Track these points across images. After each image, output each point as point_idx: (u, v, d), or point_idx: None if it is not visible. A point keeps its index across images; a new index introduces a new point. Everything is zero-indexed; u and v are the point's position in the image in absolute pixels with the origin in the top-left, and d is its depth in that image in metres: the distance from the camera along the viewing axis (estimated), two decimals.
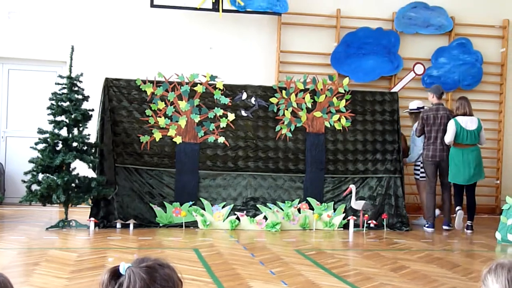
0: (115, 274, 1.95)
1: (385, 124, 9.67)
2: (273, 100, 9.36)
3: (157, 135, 9.02)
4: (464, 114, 9.35)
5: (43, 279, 5.45)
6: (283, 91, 9.41)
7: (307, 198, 9.30)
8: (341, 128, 9.52)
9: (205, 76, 9.24)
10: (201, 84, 9.21)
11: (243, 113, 9.29)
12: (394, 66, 11.52)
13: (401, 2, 11.65)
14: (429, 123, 9.45)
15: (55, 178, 8.05)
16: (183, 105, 9.11)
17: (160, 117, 9.04)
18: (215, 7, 10.67)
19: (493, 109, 12.12)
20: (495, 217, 9.83)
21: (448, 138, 9.24)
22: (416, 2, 11.68)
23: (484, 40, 12.02)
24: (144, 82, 9.05)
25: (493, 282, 2.21)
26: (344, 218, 9.23)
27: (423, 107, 10.00)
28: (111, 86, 8.97)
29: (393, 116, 9.70)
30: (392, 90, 10.47)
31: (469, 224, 9.41)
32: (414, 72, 10.81)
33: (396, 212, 9.42)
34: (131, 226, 8.46)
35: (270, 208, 9.08)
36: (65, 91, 8.48)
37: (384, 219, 9.23)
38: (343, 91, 9.56)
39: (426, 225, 9.40)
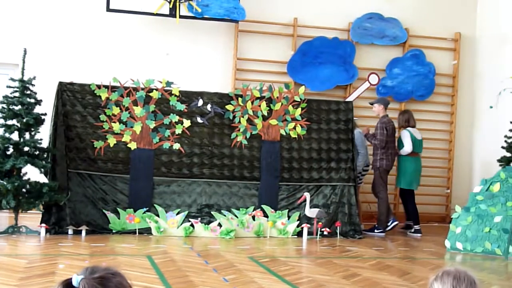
0: (68, 286, 1.93)
1: (339, 133, 9.77)
2: (229, 107, 9.38)
3: (112, 141, 8.93)
4: (413, 126, 10.26)
5: None
6: (239, 99, 9.43)
7: (262, 206, 9.32)
8: (296, 136, 9.59)
9: (161, 82, 9.20)
10: (156, 90, 9.16)
11: (199, 119, 9.27)
12: (349, 76, 11.67)
13: (357, 13, 11.82)
14: (389, 134, 9.93)
15: (5, 183, 7.89)
16: (138, 110, 9.04)
17: (114, 122, 8.96)
18: (172, 13, 10.64)
19: (444, 120, 12.39)
20: (445, 226, 10.03)
21: (410, 148, 10.05)
22: (372, 13, 11.86)
23: (436, 52, 12.29)
24: (99, 87, 8.95)
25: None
26: (298, 226, 9.29)
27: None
28: (65, 90, 8.84)
29: (347, 125, 9.81)
30: (347, 99, 10.61)
31: (419, 228, 10.11)
32: (369, 82, 10.99)
33: (349, 220, 9.52)
34: (83, 233, 8.34)
35: (225, 215, 9.07)
36: (17, 94, 8.33)
37: (338, 227, 9.32)
38: (299, 100, 9.63)
39: (379, 231, 9.68)
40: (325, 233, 9.24)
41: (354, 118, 10.03)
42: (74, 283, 1.91)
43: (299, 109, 9.60)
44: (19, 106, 8.28)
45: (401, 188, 10.41)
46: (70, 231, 8.38)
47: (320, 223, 9.25)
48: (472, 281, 2.25)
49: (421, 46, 12.15)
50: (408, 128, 10.18)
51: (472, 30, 12.50)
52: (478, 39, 12.49)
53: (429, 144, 12.13)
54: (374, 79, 11.04)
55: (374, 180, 10.15)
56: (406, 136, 10.10)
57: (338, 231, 9.32)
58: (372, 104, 10.28)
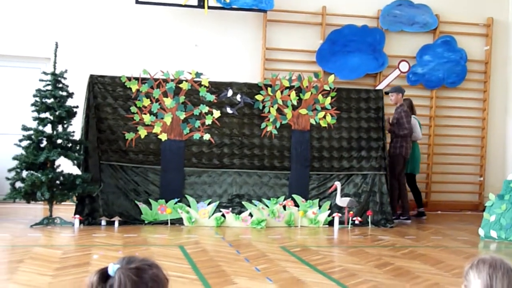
0: (104, 275, 1.93)
1: (370, 122, 9.71)
2: (259, 97, 9.37)
3: (142, 132, 9.00)
4: (415, 113, 10.61)
5: (27, 276, 5.43)
6: (269, 88, 9.41)
7: (293, 195, 9.32)
8: (326, 125, 9.55)
9: (190, 73, 9.22)
10: (186, 81, 9.19)
11: (229, 110, 9.29)
12: (379, 64, 11.57)
13: (386, 0, 11.70)
14: (408, 121, 9.96)
15: (39, 175, 8.01)
16: (168, 102, 9.08)
17: (145, 114, 9.02)
18: (201, 4, 10.67)
19: (477, 107, 12.22)
20: (478, 214, 9.91)
21: (420, 135, 10.50)
22: (401, 0, 11.72)
23: (468, 38, 12.11)
24: (129, 79, 9.02)
25: (474, 277, 2.24)
26: (329, 215, 9.27)
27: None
28: (96, 83, 8.92)
29: (378, 113, 9.74)
30: (377, 88, 10.52)
31: (423, 210, 10.62)
32: (399, 70, 10.87)
33: (380, 209, 9.47)
34: (116, 223, 8.43)
35: (256, 205, 9.09)
36: (49, 87, 8.43)
37: (369, 216, 9.28)
38: (329, 89, 9.58)
39: (405, 218, 9.78)
40: (356, 222, 9.21)
41: None
42: (110, 272, 1.92)
43: (329, 98, 9.56)
44: (52, 99, 8.38)
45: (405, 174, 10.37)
46: (103, 222, 8.48)
47: (351, 212, 9.21)
48: (508, 269, 2.22)
49: (452, 32, 11.98)
50: (413, 116, 10.41)
51: (505, 15, 12.28)
52: (511, 24, 12.27)
53: (461, 131, 12.02)
54: (404, 67, 10.92)
55: (394, 168, 10.00)
56: (416, 124, 10.35)
57: (369, 220, 9.27)
58: (388, 93, 10.17)
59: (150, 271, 1.97)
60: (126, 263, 1.96)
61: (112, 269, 1.92)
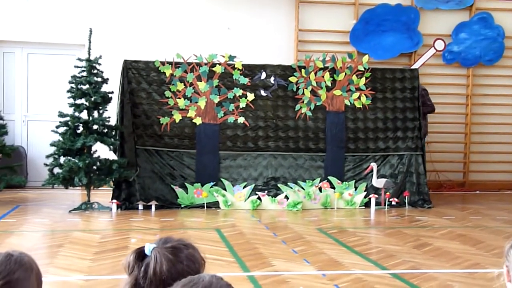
0: (140, 255, 1.94)
1: (405, 102, 9.57)
2: (292, 79, 9.31)
3: (177, 117, 9.02)
4: None
5: (67, 260, 5.51)
6: (302, 70, 9.34)
7: (328, 177, 9.27)
8: (361, 106, 9.45)
9: (223, 57, 9.20)
10: (219, 64, 9.17)
11: (263, 92, 9.25)
12: (414, 43, 11.39)
13: None
14: (429, 98, 10.06)
15: (77, 161, 8.11)
16: (202, 86, 9.08)
17: (179, 98, 9.04)
18: None
19: None
20: None
21: None
22: None
23: (506, 14, 11.81)
24: (162, 63, 9.03)
25: None
26: (365, 197, 9.20)
27: None
28: (130, 68, 8.96)
29: (413, 93, 9.60)
30: (413, 67, 10.35)
31: None
32: (435, 48, 10.67)
33: (417, 189, 9.37)
34: (153, 208, 8.50)
35: (291, 188, 9.07)
36: (84, 74, 8.50)
37: (406, 197, 9.19)
38: (363, 69, 9.47)
39: None
40: (393, 203, 9.13)
41: None
42: (147, 251, 1.93)
43: (363, 78, 9.45)
44: (87, 85, 8.45)
45: None
46: (140, 207, 8.56)
47: (387, 193, 9.13)
48: None
49: (489, 8, 11.71)
50: None
51: None
52: None
53: (499, 110, 11.80)
54: (440, 45, 10.71)
55: None
56: None
57: (406, 201, 9.18)
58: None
59: (186, 250, 1.97)
60: (163, 243, 1.97)
61: (148, 248, 1.92)
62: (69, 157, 8.24)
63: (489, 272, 5.27)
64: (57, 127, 8.39)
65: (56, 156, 8.28)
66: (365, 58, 9.66)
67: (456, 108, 11.69)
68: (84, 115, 8.50)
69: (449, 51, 11.47)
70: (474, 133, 11.74)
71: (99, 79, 8.55)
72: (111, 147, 8.51)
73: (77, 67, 8.56)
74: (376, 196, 9.06)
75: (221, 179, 9.08)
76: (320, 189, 9.14)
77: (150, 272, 1.89)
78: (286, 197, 8.96)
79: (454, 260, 5.75)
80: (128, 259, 1.95)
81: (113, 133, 8.60)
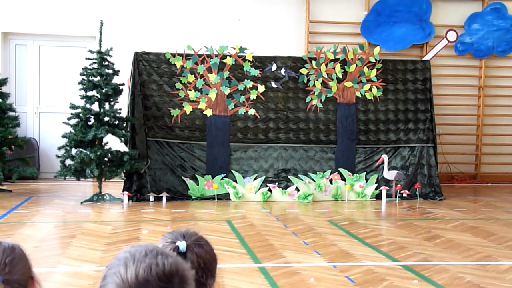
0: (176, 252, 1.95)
1: (417, 93, 9.53)
2: (303, 71, 9.28)
3: (188, 108, 9.03)
4: None
5: (79, 251, 5.54)
6: (313, 62, 9.31)
7: (339, 169, 9.25)
8: (372, 98, 9.42)
9: (234, 48, 9.19)
10: (230, 56, 9.16)
11: (273, 84, 9.23)
12: (425, 34, 11.31)
13: None
14: None
15: (88, 152, 8.13)
16: (212, 77, 9.08)
17: (190, 90, 9.04)
18: None
19: None
20: None
21: None
22: None
23: None
24: (173, 55, 9.04)
25: None
26: (376, 189, 9.18)
27: None
28: (140, 60, 8.97)
29: (425, 84, 9.55)
30: (424, 58, 10.28)
31: None
32: (447, 39, 10.60)
33: (429, 181, 9.33)
34: (164, 199, 8.52)
35: (302, 180, 9.06)
36: (95, 66, 8.51)
37: (417, 189, 9.16)
38: (374, 60, 9.43)
39: None
40: (404, 195, 9.10)
41: None
42: (182, 249, 1.93)
43: (375, 70, 9.41)
44: (98, 77, 8.47)
45: None
46: (151, 198, 8.58)
47: (399, 185, 9.10)
48: None
49: None
50: None
51: None
52: None
53: (511, 101, 11.70)
54: (452, 36, 10.64)
55: None
56: None
57: (417, 193, 9.15)
58: None
59: (202, 238, 2.03)
60: (189, 237, 1.99)
61: (182, 246, 1.93)
62: (80, 149, 8.27)
63: (501, 264, 5.25)
64: (69, 119, 8.42)
65: (67, 148, 8.31)
66: (376, 49, 9.61)
67: (468, 100, 11.61)
68: (95, 107, 8.52)
69: (461, 42, 11.39)
70: (486, 125, 11.66)
71: (110, 71, 8.56)
72: (122, 139, 8.53)
73: (88, 59, 8.58)
74: (387, 188, 9.03)
75: (232, 171, 9.08)
76: (331, 181, 9.13)
77: (195, 264, 1.93)
78: (297, 189, 8.96)
79: (465, 252, 5.73)
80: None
81: (124, 125, 8.62)
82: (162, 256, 1.38)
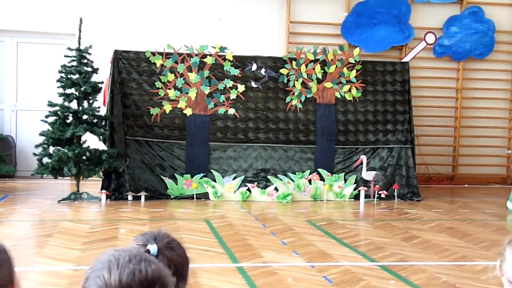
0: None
1: (396, 95, 9.60)
2: (283, 71, 9.30)
3: (167, 107, 9.00)
4: None
5: (56, 250, 5.50)
6: (293, 62, 9.34)
7: (318, 169, 9.29)
8: (351, 99, 9.46)
9: (214, 48, 9.18)
10: (210, 55, 9.15)
11: (253, 84, 9.24)
12: (405, 36, 11.40)
13: None
14: None
15: (66, 151, 8.07)
16: (192, 76, 9.06)
17: (170, 89, 9.01)
18: None
19: (505, 78, 12.00)
20: (506, 187, 9.80)
21: None
22: None
23: (496, 8, 11.84)
24: (153, 54, 9.00)
25: (510, 253, 2.18)
26: (355, 189, 9.23)
27: None
28: (120, 58, 8.93)
29: (404, 86, 9.63)
30: (403, 60, 10.37)
31: None
32: (425, 42, 10.68)
33: (407, 182, 9.41)
34: (143, 198, 8.49)
35: (281, 179, 9.08)
36: (74, 63, 8.45)
37: (395, 190, 9.22)
38: (354, 62, 9.48)
39: None
40: (382, 195, 9.16)
41: None
42: (153, 252, 1.93)
43: (354, 71, 9.46)
44: (77, 75, 8.40)
45: None
46: (129, 197, 8.54)
47: (377, 185, 9.16)
48: None
49: (480, 2, 11.73)
50: None
51: None
52: None
53: (489, 104, 11.85)
54: (430, 39, 10.73)
55: None
56: None
57: (395, 194, 9.22)
58: None
59: (174, 241, 2.02)
60: (159, 240, 1.98)
61: (153, 249, 1.93)
62: (58, 147, 8.21)
63: (477, 264, 5.31)
64: (47, 116, 8.34)
65: (45, 146, 8.24)
66: (356, 50, 9.67)
67: (446, 102, 11.73)
68: (73, 105, 8.45)
69: (440, 44, 11.50)
70: (463, 127, 11.78)
71: (89, 69, 8.51)
72: (101, 137, 8.48)
73: (67, 56, 8.51)
74: (366, 188, 9.08)
75: (211, 170, 9.07)
76: (310, 181, 9.16)
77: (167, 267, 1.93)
78: (276, 189, 8.97)
79: (442, 253, 5.78)
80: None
81: (103, 123, 8.57)
82: (145, 263, 1.41)
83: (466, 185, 11.30)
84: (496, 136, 11.96)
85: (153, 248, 1.92)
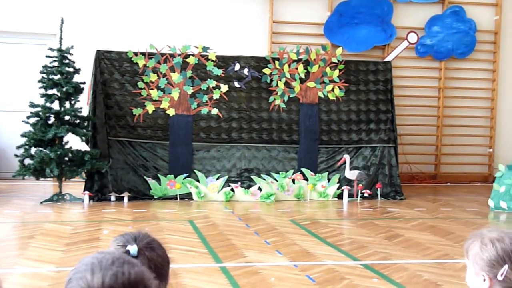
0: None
1: (378, 94, 9.64)
2: (266, 71, 9.31)
3: (150, 108, 8.97)
4: None
5: (38, 252, 5.46)
6: (276, 62, 9.35)
7: (301, 169, 9.30)
8: (334, 98, 9.49)
9: (197, 48, 9.16)
10: (193, 55, 9.14)
11: (236, 84, 9.24)
12: (387, 35, 11.46)
13: None
14: None
15: (48, 152, 8.02)
16: (175, 77, 9.04)
17: (152, 89, 8.98)
18: None
19: (486, 78, 12.10)
20: (488, 185, 9.88)
21: None
22: None
23: (477, 8, 11.95)
24: (135, 54, 8.97)
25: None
26: (338, 188, 9.25)
27: None
28: (102, 59, 8.88)
29: (386, 85, 9.67)
30: (386, 60, 10.42)
31: None
32: (408, 41, 10.73)
33: (390, 181, 9.45)
34: (126, 199, 8.45)
35: (265, 179, 9.08)
36: (55, 64, 8.40)
37: (378, 189, 9.26)
38: (337, 61, 9.50)
39: None
40: (365, 195, 9.20)
41: None
42: (133, 253, 1.93)
43: (337, 70, 9.49)
44: (59, 76, 8.35)
45: None
46: (112, 198, 8.50)
47: (360, 185, 9.20)
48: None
49: (461, 2, 11.83)
50: None
51: None
52: None
53: (470, 103, 11.94)
54: (413, 38, 10.78)
55: None
56: None
57: (378, 193, 9.26)
58: None
59: (155, 241, 2.02)
60: (139, 241, 1.98)
61: (133, 250, 1.92)
62: (40, 148, 8.15)
63: (458, 262, 5.34)
64: (28, 117, 8.28)
65: (27, 147, 8.18)
66: (339, 50, 9.69)
67: (428, 101, 11.81)
68: (55, 105, 8.40)
69: (422, 44, 11.58)
70: (445, 126, 11.87)
71: (71, 69, 8.46)
72: (83, 138, 8.43)
73: (49, 57, 8.45)
74: (349, 188, 9.12)
75: (194, 170, 9.06)
76: (293, 181, 9.17)
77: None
78: (259, 189, 8.98)
79: (424, 251, 5.82)
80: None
81: (85, 124, 8.52)
82: (128, 265, 1.42)
83: (449, 184, 11.38)
84: (478, 135, 12.06)
85: (133, 248, 1.92)
